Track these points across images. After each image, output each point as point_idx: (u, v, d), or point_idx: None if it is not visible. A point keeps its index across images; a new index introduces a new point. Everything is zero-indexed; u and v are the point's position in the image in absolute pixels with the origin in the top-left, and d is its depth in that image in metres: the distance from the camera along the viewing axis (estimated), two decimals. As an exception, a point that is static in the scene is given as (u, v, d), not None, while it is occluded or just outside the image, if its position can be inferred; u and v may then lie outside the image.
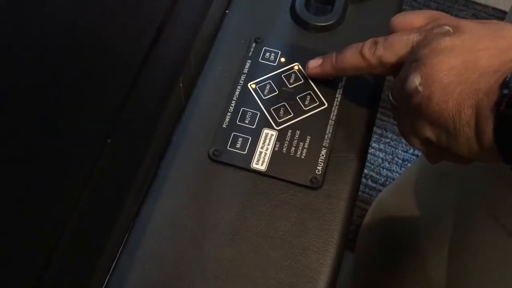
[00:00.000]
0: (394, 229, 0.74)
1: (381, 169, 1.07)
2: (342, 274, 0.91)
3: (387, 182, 1.05)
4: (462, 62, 0.31)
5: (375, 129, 1.01)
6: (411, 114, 0.34)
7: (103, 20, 0.33)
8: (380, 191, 1.03)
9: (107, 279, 0.35)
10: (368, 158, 1.08)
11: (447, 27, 0.34)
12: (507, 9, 1.25)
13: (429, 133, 0.33)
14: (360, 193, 1.06)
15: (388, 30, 0.38)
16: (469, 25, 0.33)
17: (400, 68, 0.35)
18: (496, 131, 0.29)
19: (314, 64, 0.41)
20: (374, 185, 1.06)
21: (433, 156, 0.36)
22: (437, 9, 1.29)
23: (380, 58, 0.36)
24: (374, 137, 1.10)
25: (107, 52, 0.33)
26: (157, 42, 0.35)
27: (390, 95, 0.37)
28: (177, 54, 0.39)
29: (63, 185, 0.29)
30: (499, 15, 1.28)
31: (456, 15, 1.27)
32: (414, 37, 0.35)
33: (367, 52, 0.37)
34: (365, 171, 1.07)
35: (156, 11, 0.37)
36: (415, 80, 0.32)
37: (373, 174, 1.07)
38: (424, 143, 0.35)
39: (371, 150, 1.09)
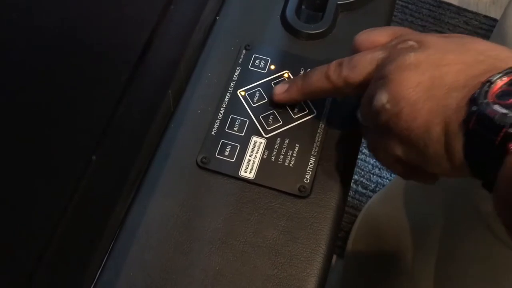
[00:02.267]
0: (382, 237, 0.74)
1: (371, 175, 1.07)
2: (331, 281, 0.91)
3: (377, 189, 1.05)
4: (429, 78, 0.30)
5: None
6: (380, 132, 0.33)
7: (92, 27, 0.33)
8: (370, 197, 1.04)
9: (92, 287, 0.34)
10: (359, 164, 1.08)
11: (412, 42, 0.33)
12: (498, 17, 1.26)
13: (399, 151, 0.32)
14: (350, 199, 1.07)
15: (351, 49, 0.38)
16: (434, 40, 0.33)
17: (366, 88, 0.35)
18: (466, 148, 0.29)
19: (280, 90, 0.40)
20: (364, 191, 1.06)
21: (404, 174, 0.36)
22: (428, 15, 1.30)
23: (346, 79, 0.35)
24: (364, 143, 1.10)
25: (95, 62, 0.33)
26: (147, 51, 0.35)
27: (358, 114, 0.36)
28: (167, 64, 0.39)
29: (49, 194, 0.29)
30: (490, 23, 1.29)
31: (448, 22, 1.28)
32: (379, 55, 0.34)
33: (332, 74, 0.36)
34: (355, 177, 1.07)
35: (147, 18, 0.37)
36: (382, 98, 0.32)
37: (363, 180, 1.07)
38: (394, 161, 0.34)
39: (361, 156, 1.09)
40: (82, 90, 0.31)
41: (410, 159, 0.32)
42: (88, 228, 0.32)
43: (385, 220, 0.77)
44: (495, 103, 0.27)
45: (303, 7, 0.49)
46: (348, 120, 0.41)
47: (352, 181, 1.07)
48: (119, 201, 0.36)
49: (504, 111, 0.27)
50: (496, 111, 0.27)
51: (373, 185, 1.06)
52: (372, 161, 1.09)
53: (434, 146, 0.30)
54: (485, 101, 0.28)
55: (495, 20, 1.29)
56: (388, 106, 0.31)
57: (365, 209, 0.91)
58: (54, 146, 0.29)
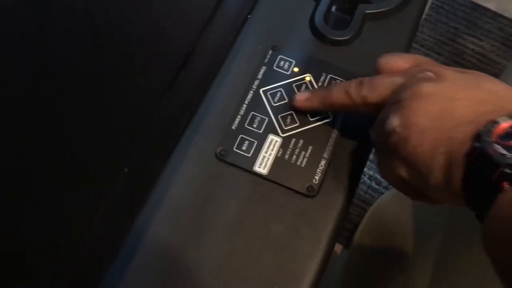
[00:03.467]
0: (388, 235, 0.76)
1: (386, 173, 1.09)
2: (337, 269, 0.94)
3: (390, 186, 1.07)
4: (439, 109, 0.32)
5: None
6: (389, 152, 0.35)
7: (139, 31, 0.36)
8: (382, 193, 1.06)
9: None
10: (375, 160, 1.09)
11: (430, 73, 0.35)
12: (533, 26, 1.25)
13: (403, 172, 0.35)
14: (362, 193, 1.09)
15: (374, 70, 0.40)
16: (451, 74, 0.34)
17: (382, 108, 0.37)
18: (464, 180, 0.30)
19: (302, 97, 0.42)
20: (377, 187, 1.08)
21: (408, 193, 0.38)
22: (463, 18, 1.29)
23: (364, 98, 0.38)
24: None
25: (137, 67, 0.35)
26: (188, 61, 0.37)
27: (371, 132, 0.39)
28: (205, 68, 0.42)
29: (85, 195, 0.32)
30: (525, 31, 1.28)
31: (481, 27, 1.27)
32: (397, 80, 0.36)
33: (352, 91, 0.38)
34: (370, 172, 1.09)
35: (193, 23, 0.39)
36: (394, 121, 0.34)
37: (378, 176, 1.09)
38: (399, 181, 0.36)
39: (378, 153, 1.10)
40: (123, 95, 0.34)
41: (413, 182, 0.35)
42: (115, 226, 0.35)
43: (393, 218, 0.80)
44: (497, 143, 0.29)
45: (333, 9, 0.50)
46: (361, 129, 0.43)
47: (367, 176, 1.09)
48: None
49: (503, 151, 0.29)
50: (496, 151, 0.29)
51: (386, 182, 1.08)
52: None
53: (436, 173, 0.32)
54: (488, 139, 0.29)
55: (530, 28, 1.28)
56: (398, 129, 0.34)
57: (376, 205, 0.93)
58: (92, 158, 0.32)
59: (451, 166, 0.31)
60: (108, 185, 0.32)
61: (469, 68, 1.22)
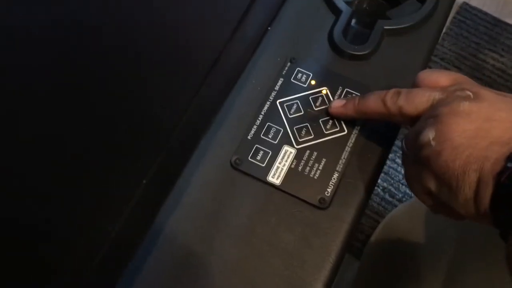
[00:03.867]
0: (399, 248, 0.76)
1: (400, 185, 1.09)
2: (347, 280, 0.94)
3: (404, 199, 1.07)
4: (475, 128, 0.33)
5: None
6: (420, 164, 0.36)
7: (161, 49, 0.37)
8: (395, 206, 1.06)
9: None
10: (389, 173, 1.09)
11: (469, 92, 0.36)
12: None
13: (432, 185, 0.35)
14: (375, 205, 1.09)
15: (412, 83, 0.41)
16: (490, 95, 0.35)
17: (417, 120, 0.38)
18: (493, 198, 0.31)
19: (338, 104, 0.44)
20: (391, 199, 1.08)
21: (432, 207, 0.39)
22: (484, 33, 1.28)
23: (400, 109, 0.39)
24: (398, 152, 1.11)
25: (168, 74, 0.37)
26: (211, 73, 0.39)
27: (403, 142, 0.39)
28: (227, 79, 0.43)
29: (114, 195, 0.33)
30: (547, 48, 1.27)
31: (503, 43, 1.27)
32: (436, 95, 0.37)
33: (389, 100, 0.39)
34: (384, 184, 1.09)
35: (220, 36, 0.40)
36: (429, 134, 0.35)
37: (392, 189, 1.09)
38: (426, 193, 0.37)
39: (393, 165, 1.10)
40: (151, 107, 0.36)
41: (441, 196, 0.35)
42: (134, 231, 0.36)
43: (405, 231, 0.80)
44: None
45: (353, 22, 0.51)
46: (375, 144, 0.44)
47: (381, 188, 1.09)
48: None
49: None
50: None
51: (400, 195, 1.08)
52: (403, 171, 1.11)
53: (466, 189, 0.33)
54: None
55: (553, 46, 1.27)
56: (433, 143, 0.34)
57: (388, 218, 0.93)
58: (114, 167, 0.33)
59: (481, 183, 0.32)
60: (129, 194, 0.33)
61: (489, 84, 1.22)
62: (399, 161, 1.12)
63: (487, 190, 0.32)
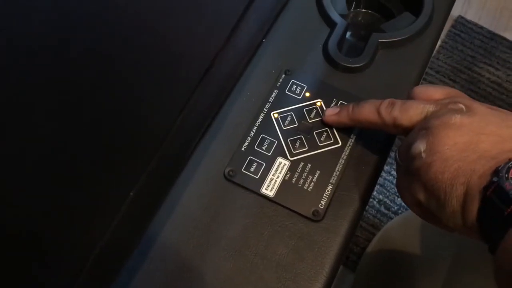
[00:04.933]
0: (395, 260, 0.76)
1: (396, 197, 1.09)
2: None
3: (399, 211, 1.07)
4: (466, 141, 0.33)
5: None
6: (411, 174, 0.36)
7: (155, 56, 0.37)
8: (391, 218, 1.05)
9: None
10: (385, 185, 1.09)
11: (461, 106, 0.36)
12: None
13: (421, 196, 0.35)
14: (371, 217, 1.09)
15: (407, 96, 0.41)
16: (481, 109, 0.36)
17: (410, 131, 0.38)
18: (480, 212, 0.31)
19: (332, 112, 0.44)
20: (386, 211, 1.08)
21: (422, 217, 0.39)
22: (479, 46, 1.29)
23: (394, 119, 0.39)
24: (394, 165, 1.11)
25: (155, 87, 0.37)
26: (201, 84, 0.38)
27: (396, 153, 0.39)
28: (220, 90, 0.43)
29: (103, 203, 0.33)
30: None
31: (498, 56, 1.27)
32: (430, 108, 0.38)
33: (383, 110, 0.39)
34: (380, 197, 1.09)
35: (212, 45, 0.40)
36: (421, 146, 0.35)
37: (387, 201, 1.08)
38: (416, 204, 0.37)
39: (389, 178, 1.10)
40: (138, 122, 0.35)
41: (430, 207, 0.35)
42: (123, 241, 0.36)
43: (401, 245, 0.79)
44: None
45: (348, 35, 0.51)
46: (370, 156, 0.44)
47: (376, 200, 1.09)
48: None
49: None
50: None
51: (396, 207, 1.08)
52: (399, 183, 1.11)
53: (453, 201, 0.33)
54: (506, 175, 0.30)
55: (547, 60, 1.28)
56: (423, 155, 0.35)
57: (384, 230, 0.93)
58: (102, 178, 0.33)
59: (468, 197, 0.32)
60: (115, 206, 0.33)
61: (484, 97, 1.23)
62: (394, 173, 1.12)
63: (474, 203, 0.32)
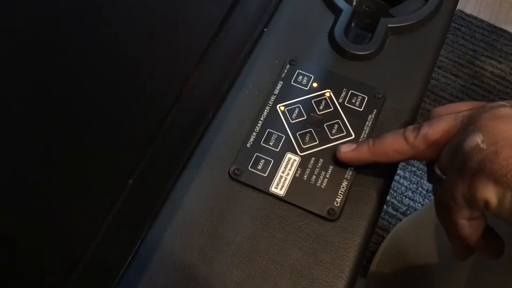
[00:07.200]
0: (409, 263, 0.72)
1: (404, 198, 1.05)
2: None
3: (408, 212, 1.03)
4: None
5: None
6: (468, 175, 0.33)
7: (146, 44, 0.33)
8: (400, 219, 1.02)
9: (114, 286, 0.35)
10: (392, 185, 1.06)
11: (503, 102, 0.34)
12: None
13: (490, 193, 0.32)
14: (379, 219, 1.05)
15: (426, 118, 0.38)
16: None
17: (443, 148, 0.35)
18: None
19: (347, 148, 0.39)
20: (394, 213, 1.04)
21: (474, 233, 0.35)
22: (481, 40, 1.27)
23: (425, 136, 0.36)
24: (401, 164, 1.08)
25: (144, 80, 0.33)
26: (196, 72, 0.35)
27: (436, 169, 0.36)
28: (220, 83, 0.39)
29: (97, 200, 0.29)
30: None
31: (500, 49, 1.25)
32: (464, 113, 0.35)
33: (410, 134, 0.37)
34: (387, 198, 1.06)
35: (204, 33, 0.37)
36: (477, 138, 0.32)
37: (395, 202, 1.05)
38: (477, 212, 0.34)
39: (395, 177, 1.07)
40: (128, 110, 0.32)
41: (504, 202, 0.32)
42: (122, 240, 0.33)
43: (414, 246, 0.76)
44: None
45: (352, 25, 0.48)
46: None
47: (383, 201, 1.05)
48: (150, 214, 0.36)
49: None
50: None
51: (404, 208, 1.04)
52: (406, 183, 1.07)
53: None
54: None
55: (550, 51, 1.25)
56: (483, 145, 0.32)
57: (394, 232, 0.89)
58: (96, 169, 0.30)
59: None
60: (114, 198, 0.30)
61: (489, 91, 1.20)
62: (401, 172, 1.08)
63: None
